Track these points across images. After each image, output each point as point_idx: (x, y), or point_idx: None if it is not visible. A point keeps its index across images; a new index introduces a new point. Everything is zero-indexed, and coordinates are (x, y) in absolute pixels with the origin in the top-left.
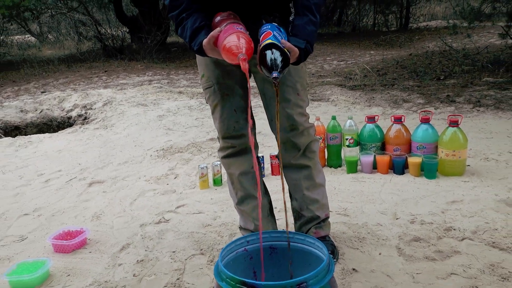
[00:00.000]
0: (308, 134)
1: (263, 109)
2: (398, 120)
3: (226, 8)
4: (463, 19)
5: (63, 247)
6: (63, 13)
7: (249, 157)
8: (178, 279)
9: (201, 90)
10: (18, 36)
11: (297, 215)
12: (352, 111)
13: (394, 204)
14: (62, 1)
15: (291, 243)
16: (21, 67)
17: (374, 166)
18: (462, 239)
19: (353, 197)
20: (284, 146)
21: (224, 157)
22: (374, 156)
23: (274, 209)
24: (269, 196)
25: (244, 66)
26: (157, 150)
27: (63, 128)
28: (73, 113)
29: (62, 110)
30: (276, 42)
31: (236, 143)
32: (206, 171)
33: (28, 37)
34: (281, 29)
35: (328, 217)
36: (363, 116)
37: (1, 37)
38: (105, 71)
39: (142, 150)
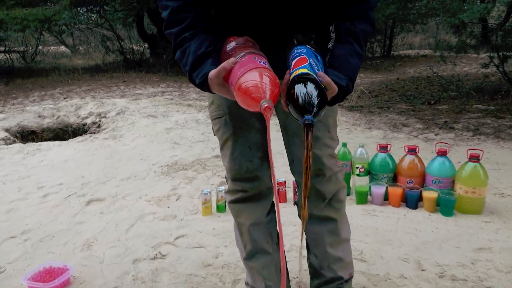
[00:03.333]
0: (337, 180)
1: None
2: (412, 151)
3: (247, 26)
4: (440, 50)
5: None
6: (89, 28)
7: (262, 204)
8: None
9: None
10: (53, 47)
11: (315, 272)
12: (353, 133)
13: (414, 249)
14: (90, 18)
15: None
16: (50, 74)
17: (385, 198)
18: None
19: (367, 236)
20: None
21: (232, 202)
22: (386, 187)
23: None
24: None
25: (268, 116)
26: (161, 166)
27: (79, 135)
28: (88, 120)
29: (78, 117)
30: (312, 74)
31: (248, 186)
32: (210, 196)
33: (62, 48)
34: (318, 57)
35: (352, 277)
36: (365, 138)
37: (38, 47)
38: (124, 81)
39: (147, 165)
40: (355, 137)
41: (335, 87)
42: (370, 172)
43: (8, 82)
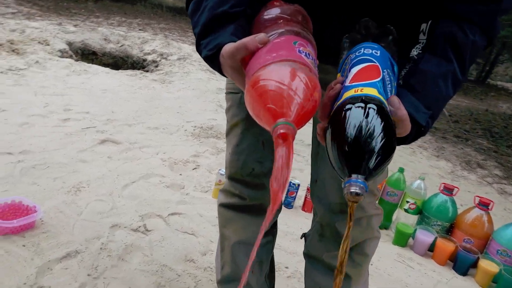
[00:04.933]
0: (368, 227)
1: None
2: (484, 205)
3: None
4: None
5: None
6: None
7: (259, 222)
8: None
9: None
10: None
11: None
12: (416, 156)
13: None
14: None
15: None
16: (136, 3)
17: (430, 249)
18: None
19: None
20: (321, 230)
21: (223, 206)
22: (436, 238)
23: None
24: (272, 280)
25: (280, 148)
26: (195, 126)
27: (136, 69)
28: (149, 57)
29: (141, 51)
30: (384, 102)
31: (247, 193)
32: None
33: None
34: (395, 68)
35: None
36: (428, 167)
37: None
38: None
39: (181, 120)
40: (417, 162)
41: (409, 126)
42: (421, 212)
43: (98, 0)
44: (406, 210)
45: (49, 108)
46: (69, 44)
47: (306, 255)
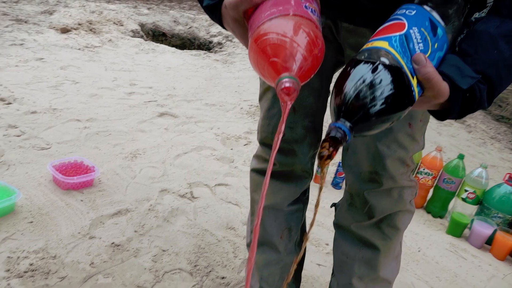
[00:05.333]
0: (400, 199)
1: None
2: None
3: None
4: None
5: (58, 181)
6: None
7: (290, 188)
8: None
9: None
10: None
11: None
12: (487, 147)
13: None
14: None
15: None
16: None
17: (488, 242)
18: None
19: (439, 279)
20: (351, 199)
21: (254, 171)
22: (495, 230)
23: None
24: (303, 252)
25: (285, 105)
26: (251, 105)
27: (203, 49)
28: (215, 39)
29: (207, 33)
30: (395, 55)
31: (277, 159)
32: None
33: None
34: (440, 29)
35: None
36: (499, 159)
37: None
38: None
39: (238, 99)
40: (487, 153)
41: (441, 88)
42: (481, 202)
43: None
44: (463, 199)
45: (116, 82)
46: (141, 25)
47: (336, 225)
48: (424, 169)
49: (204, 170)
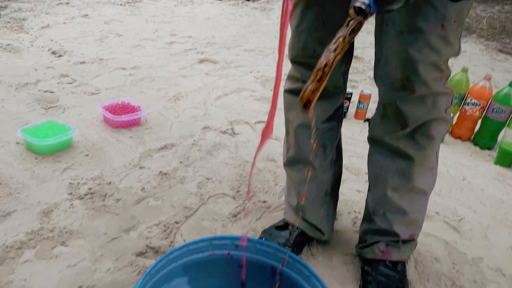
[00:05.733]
0: (434, 106)
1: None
2: None
3: None
4: None
5: (108, 120)
6: None
7: (322, 105)
8: (176, 222)
9: None
10: None
11: (367, 215)
12: None
13: None
14: None
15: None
16: None
17: None
18: None
19: (483, 205)
20: (384, 110)
21: (288, 92)
22: None
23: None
24: (339, 168)
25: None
26: None
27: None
28: None
29: None
30: None
31: (309, 76)
32: None
33: None
34: None
35: (413, 240)
36: None
37: None
38: None
39: (277, 43)
40: None
41: None
42: None
43: None
44: None
45: (157, 34)
46: None
47: (370, 139)
48: (471, 100)
49: (244, 109)
